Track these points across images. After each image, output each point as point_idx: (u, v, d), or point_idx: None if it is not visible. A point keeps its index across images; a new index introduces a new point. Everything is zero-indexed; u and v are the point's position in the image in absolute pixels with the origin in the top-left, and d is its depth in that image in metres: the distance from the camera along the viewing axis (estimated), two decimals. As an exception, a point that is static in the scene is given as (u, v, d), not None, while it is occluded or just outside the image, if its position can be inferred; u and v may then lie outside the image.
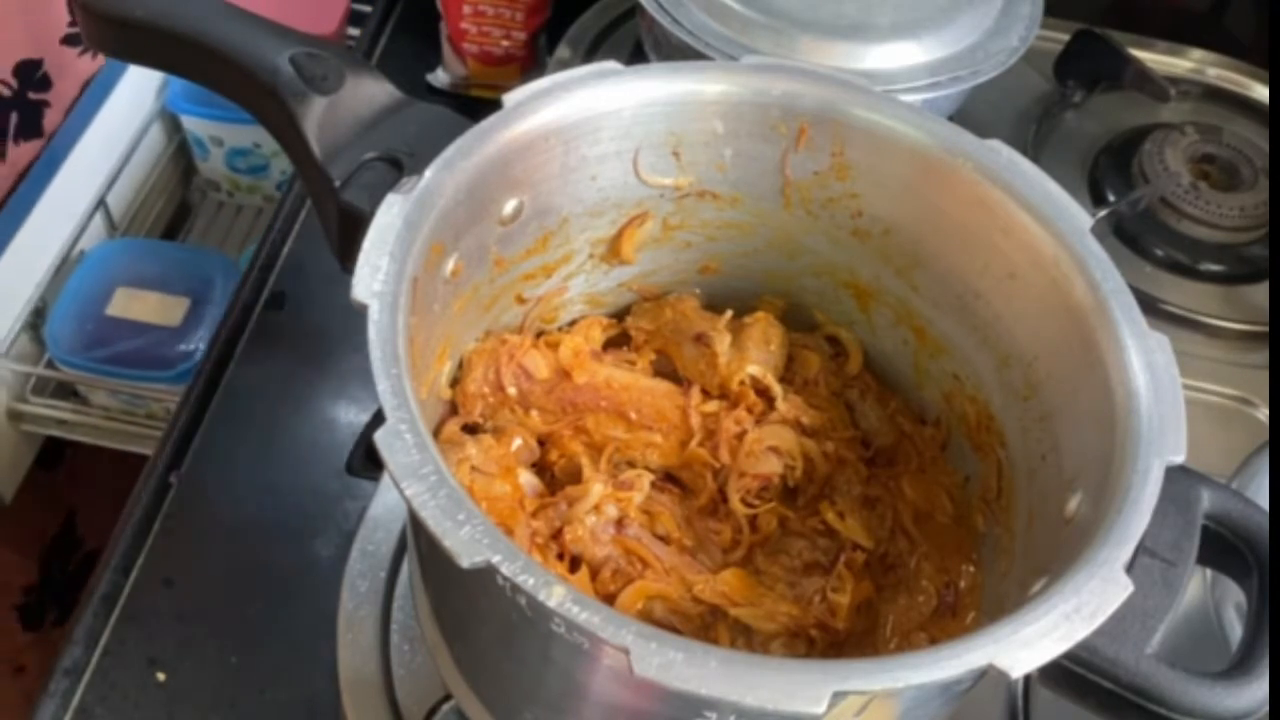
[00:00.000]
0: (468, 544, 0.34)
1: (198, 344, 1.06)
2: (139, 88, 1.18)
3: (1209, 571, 0.65)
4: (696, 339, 0.53)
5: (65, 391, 1.13)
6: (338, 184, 0.45)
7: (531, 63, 0.92)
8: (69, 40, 1.04)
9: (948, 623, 0.47)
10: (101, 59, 1.10)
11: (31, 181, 1.04)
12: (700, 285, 0.56)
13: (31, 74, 0.97)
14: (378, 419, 0.36)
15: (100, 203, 1.16)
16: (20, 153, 1.00)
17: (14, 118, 0.97)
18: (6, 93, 0.94)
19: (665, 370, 0.55)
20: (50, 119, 1.02)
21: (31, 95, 0.99)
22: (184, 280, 1.11)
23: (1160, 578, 0.39)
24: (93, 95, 1.13)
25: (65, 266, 1.11)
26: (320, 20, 1.11)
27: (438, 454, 0.36)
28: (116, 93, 1.14)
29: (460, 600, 0.44)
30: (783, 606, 0.46)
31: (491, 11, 0.88)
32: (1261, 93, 0.98)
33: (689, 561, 0.48)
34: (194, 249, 1.20)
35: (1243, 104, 0.97)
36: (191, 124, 1.21)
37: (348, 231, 0.44)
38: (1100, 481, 0.39)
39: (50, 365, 1.09)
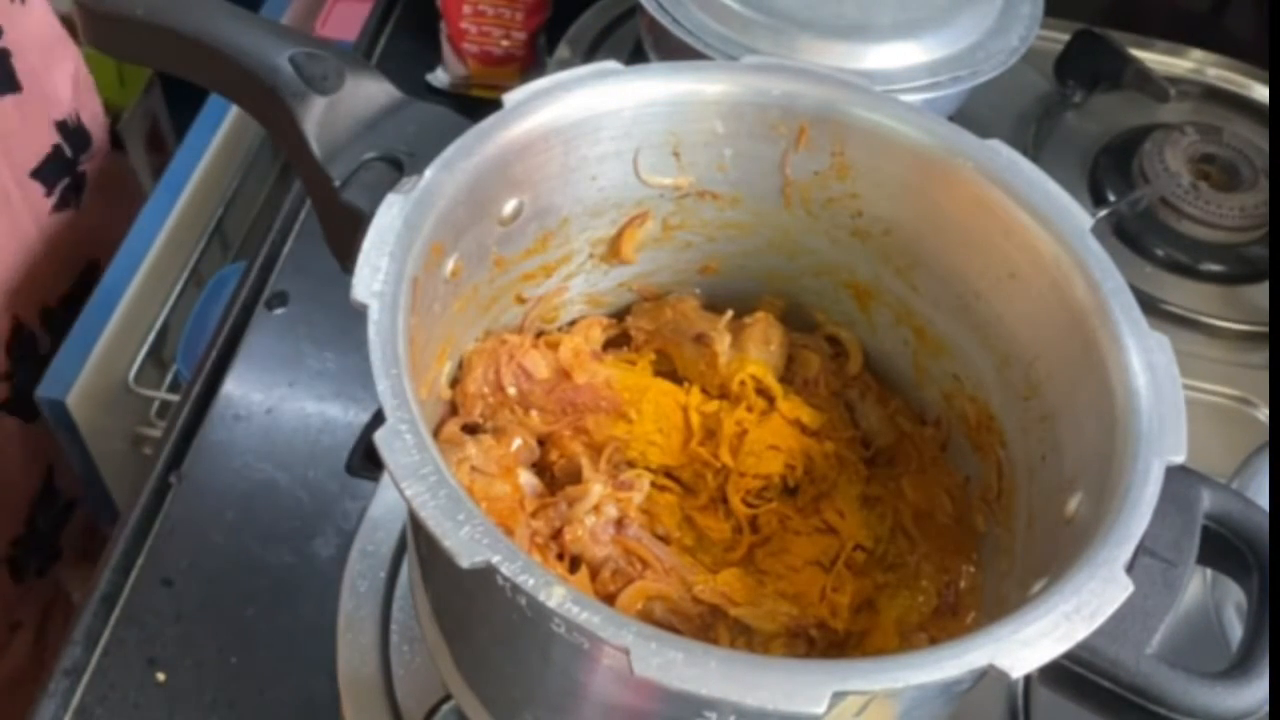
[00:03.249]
0: (468, 544, 0.34)
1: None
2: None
3: (1209, 571, 0.65)
4: (696, 339, 0.53)
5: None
6: (338, 184, 0.45)
7: (531, 62, 0.92)
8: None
9: (948, 622, 0.47)
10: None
11: (152, 210, 1.04)
12: (700, 285, 0.56)
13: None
14: (378, 419, 0.36)
15: (218, 227, 1.16)
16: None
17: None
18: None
19: (665, 370, 0.55)
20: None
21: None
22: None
23: (1160, 578, 0.39)
24: (206, 121, 1.12)
25: (186, 290, 1.11)
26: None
27: (438, 454, 0.36)
28: (229, 118, 1.14)
29: (460, 600, 0.44)
30: (783, 606, 0.46)
31: (491, 11, 0.88)
32: (1261, 93, 0.98)
33: (689, 561, 0.48)
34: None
35: (1243, 104, 0.97)
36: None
37: (348, 231, 0.44)
38: (1100, 481, 0.39)
39: (173, 389, 1.09)
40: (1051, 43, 0.94)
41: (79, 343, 0.93)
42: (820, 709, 0.32)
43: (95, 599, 0.62)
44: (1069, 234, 0.44)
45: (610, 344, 0.55)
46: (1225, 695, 0.38)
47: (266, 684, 0.60)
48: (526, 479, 0.49)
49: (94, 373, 0.94)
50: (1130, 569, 0.36)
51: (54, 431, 0.92)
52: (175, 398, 1.09)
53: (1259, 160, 0.88)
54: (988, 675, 0.34)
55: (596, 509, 0.47)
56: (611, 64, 0.48)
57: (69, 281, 0.97)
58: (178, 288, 1.11)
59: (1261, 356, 0.80)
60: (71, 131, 0.92)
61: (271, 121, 0.47)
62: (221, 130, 1.14)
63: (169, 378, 1.09)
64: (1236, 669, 0.39)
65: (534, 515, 0.47)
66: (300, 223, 0.82)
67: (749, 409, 0.52)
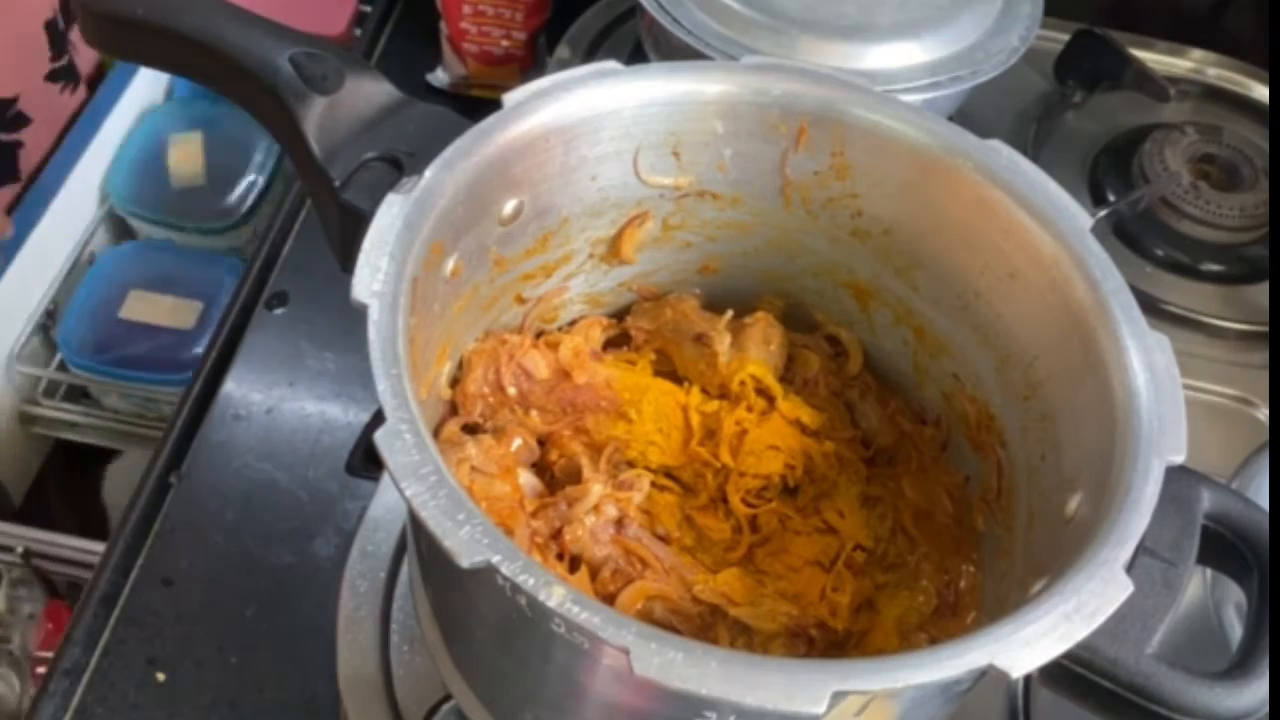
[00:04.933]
0: (468, 544, 0.34)
1: (210, 347, 1.07)
2: (150, 85, 1.19)
3: (1209, 571, 0.65)
4: (696, 339, 0.53)
5: (77, 394, 1.13)
6: (338, 184, 0.45)
7: (531, 63, 0.92)
8: (51, 76, 1.03)
9: (948, 622, 0.47)
10: (82, 93, 1.09)
11: (42, 185, 1.04)
12: (700, 285, 0.56)
13: (3, 113, 0.96)
14: (378, 419, 0.36)
15: (110, 209, 1.16)
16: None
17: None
18: None
19: (665, 370, 0.55)
20: (28, 159, 1.01)
21: (2, 136, 0.98)
22: (196, 283, 1.12)
23: (1160, 577, 0.39)
24: (105, 97, 1.13)
25: (76, 269, 1.12)
26: (329, 21, 1.11)
27: (438, 454, 0.36)
28: (128, 93, 1.15)
29: (460, 600, 0.44)
30: (783, 606, 0.46)
31: (491, 11, 0.88)
32: (1261, 93, 0.98)
33: (689, 561, 0.48)
34: (206, 252, 1.20)
35: (1243, 104, 0.97)
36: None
37: (348, 231, 0.44)
38: (1100, 481, 0.39)
39: (62, 368, 1.10)
40: (1051, 43, 0.94)
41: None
42: (820, 709, 0.32)
43: (95, 599, 0.62)
44: (1069, 234, 0.44)
45: (610, 344, 0.56)
46: (1225, 695, 0.38)
47: (266, 684, 0.60)
48: (526, 479, 0.49)
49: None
50: (1130, 569, 0.36)
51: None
52: (62, 376, 1.10)
53: (1259, 160, 0.88)
54: (988, 675, 0.34)
55: (596, 509, 0.47)
56: (611, 64, 0.48)
57: None
58: (65, 267, 1.10)
59: (1261, 356, 0.80)
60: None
61: (271, 121, 0.47)
62: (116, 110, 1.14)
63: (57, 358, 1.10)
64: (1236, 669, 0.39)
65: (534, 515, 0.47)
66: (300, 223, 0.82)
67: (749, 409, 0.52)
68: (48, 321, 1.10)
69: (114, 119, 1.13)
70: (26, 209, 1.02)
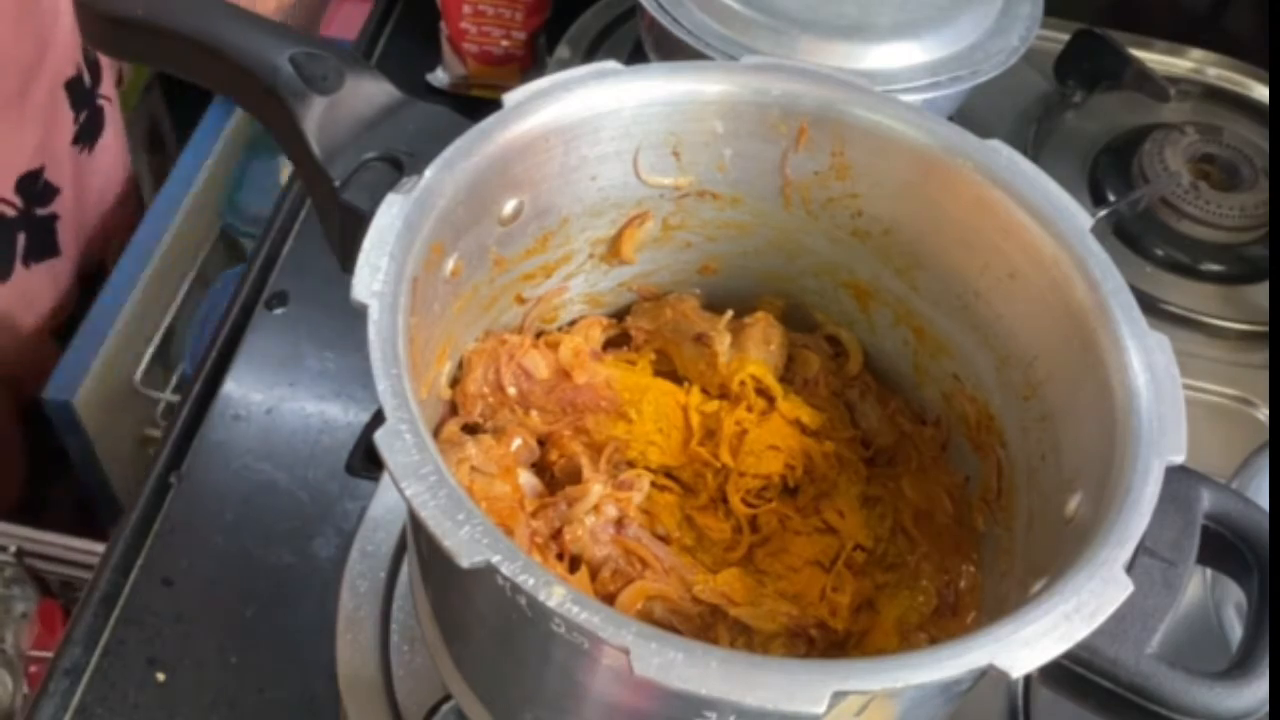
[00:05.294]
0: (468, 544, 0.34)
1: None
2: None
3: (1209, 571, 0.65)
4: (697, 339, 0.54)
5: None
6: (338, 184, 0.45)
7: (531, 62, 0.92)
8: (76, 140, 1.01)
9: (948, 622, 0.47)
10: (107, 145, 1.07)
11: (160, 208, 1.04)
12: (700, 285, 0.56)
13: (33, 184, 0.95)
14: (378, 419, 0.36)
15: (223, 230, 1.16)
16: (32, 275, 0.97)
17: (22, 239, 0.94)
18: (11, 213, 0.92)
19: (665, 370, 0.55)
20: (66, 230, 1.00)
21: (39, 211, 0.96)
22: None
23: (1160, 577, 0.39)
24: (217, 115, 1.12)
25: (192, 291, 1.11)
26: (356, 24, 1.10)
27: (438, 454, 0.36)
28: (239, 111, 1.13)
29: (460, 600, 0.44)
30: (783, 606, 0.46)
31: (491, 11, 0.88)
32: (1261, 93, 0.98)
33: (689, 561, 0.48)
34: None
35: (1243, 104, 0.97)
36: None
37: (348, 231, 0.44)
38: (1100, 481, 0.39)
39: (180, 391, 1.09)
40: (1051, 43, 0.94)
41: (86, 344, 0.93)
42: (820, 709, 0.32)
43: (95, 599, 0.62)
44: (1069, 234, 0.44)
45: (610, 344, 0.56)
46: (1225, 695, 0.38)
47: (266, 684, 0.60)
48: (526, 479, 0.49)
49: (100, 374, 0.93)
50: (1130, 569, 0.36)
51: (60, 434, 0.92)
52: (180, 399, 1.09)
53: (1259, 160, 0.88)
54: (988, 675, 0.34)
55: (596, 509, 0.47)
56: (611, 64, 0.48)
57: None
58: (183, 290, 1.11)
59: (1261, 356, 0.80)
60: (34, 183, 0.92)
61: (271, 121, 0.47)
62: (226, 131, 1.14)
63: (174, 379, 1.09)
64: (1236, 669, 0.39)
65: (534, 515, 0.47)
66: (300, 223, 0.82)
67: (749, 409, 0.52)
68: (164, 343, 1.09)
69: (227, 137, 1.13)
70: (146, 231, 1.02)
